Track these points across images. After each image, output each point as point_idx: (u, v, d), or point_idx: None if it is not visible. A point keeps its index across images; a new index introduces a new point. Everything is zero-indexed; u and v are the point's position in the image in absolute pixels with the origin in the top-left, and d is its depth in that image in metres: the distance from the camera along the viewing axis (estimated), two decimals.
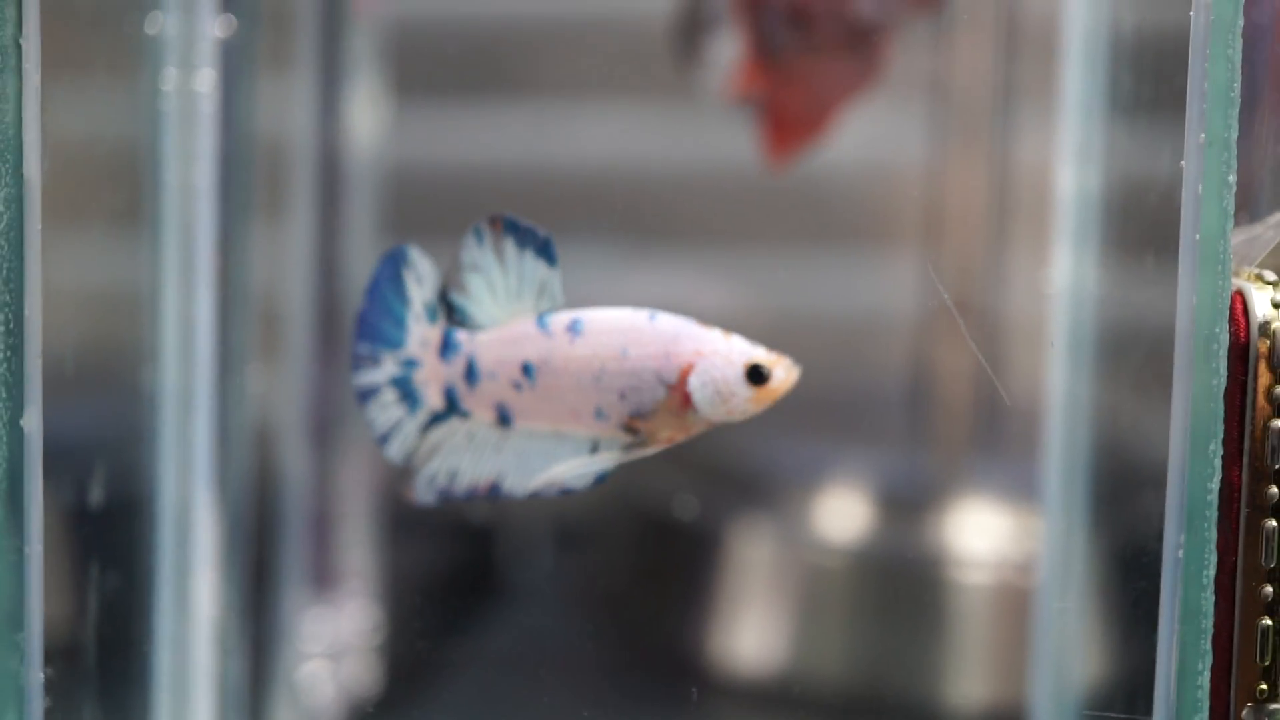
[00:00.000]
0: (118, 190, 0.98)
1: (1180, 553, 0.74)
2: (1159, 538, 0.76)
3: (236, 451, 1.06)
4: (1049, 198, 0.97)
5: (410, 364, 0.79)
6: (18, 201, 0.76)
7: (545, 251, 0.75)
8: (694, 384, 0.75)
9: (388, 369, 0.79)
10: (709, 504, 1.45)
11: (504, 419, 0.77)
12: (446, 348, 0.78)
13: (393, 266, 0.78)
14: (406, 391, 0.79)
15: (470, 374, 0.77)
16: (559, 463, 0.77)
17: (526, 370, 0.76)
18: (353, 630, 1.35)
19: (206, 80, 0.97)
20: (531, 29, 1.67)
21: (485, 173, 1.67)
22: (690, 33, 1.11)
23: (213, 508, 1.00)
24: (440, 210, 1.60)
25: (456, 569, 1.55)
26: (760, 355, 0.76)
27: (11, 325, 0.76)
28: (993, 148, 1.47)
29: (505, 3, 1.71)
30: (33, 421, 0.76)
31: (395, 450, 0.80)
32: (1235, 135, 0.74)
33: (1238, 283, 0.75)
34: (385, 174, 1.45)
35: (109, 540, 0.94)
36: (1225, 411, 0.73)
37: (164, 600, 0.97)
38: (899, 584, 1.40)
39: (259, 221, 1.10)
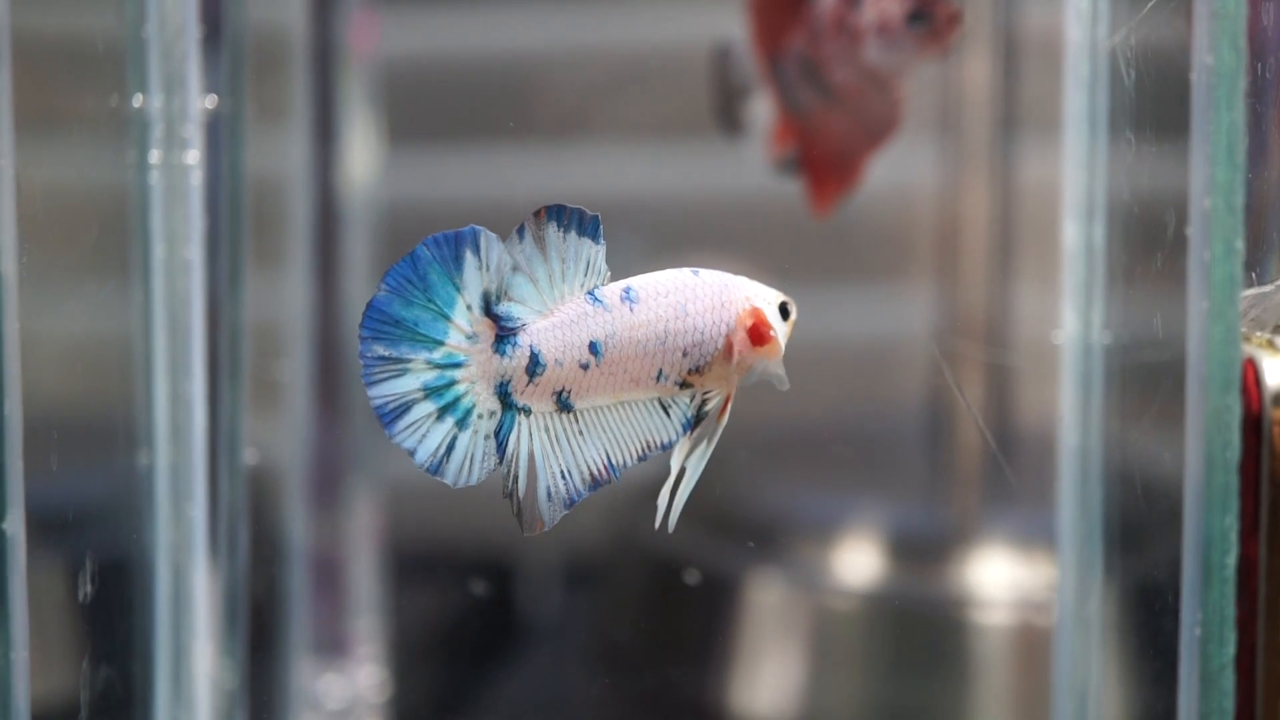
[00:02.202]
0: (104, 261, 0.96)
1: (1198, 630, 0.72)
2: (1175, 614, 0.74)
3: (234, 518, 1.04)
4: (1057, 240, 0.96)
5: (453, 364, 0.73)
6: None
7: (593, 230, 0.74)
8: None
9: (420, 374, 0.73)
10: (724, 552, 1.43)
11: (564, 405, 0.75)
12: (503, 341, 0.74)
13: (452, 248, 0.72)
14: (448, 399, 0.73)
15: (534, 365, 0.74)
16: (644, 425, 0.77)
17: (593, 348, 0.75)
18: (362, 695, 1.33)
19: (194, 153, 0.95)
20: (526, 68, 1.66)
21: (483, 214, 1.65)
22: (726, 105, 1.13)
23: (210, 579, 0.98)
24: None
25: (465, 626, 1.53)
26: (780, 294, 0.79)
27: None
28: (1001, 181, 1.45)
29: (499, 41, 1.69)
30: (14, 524, 0.74)
31: (458, 474, 0.74)
32: (1242, 200, 0.72)
33: (1248, 349, 0.73)
34: (382, 221, 1.44)
35: (101, 626, 0.92)
36: (1240, 484, 0.71)
37: (162, 683, 0.95)
38: (917, 631, 1.38)
39: (254, 276, 1.08)
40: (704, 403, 0.77)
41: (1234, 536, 0.71)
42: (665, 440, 0.77)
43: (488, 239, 0.73)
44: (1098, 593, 0.93)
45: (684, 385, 0.77)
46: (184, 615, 0.96)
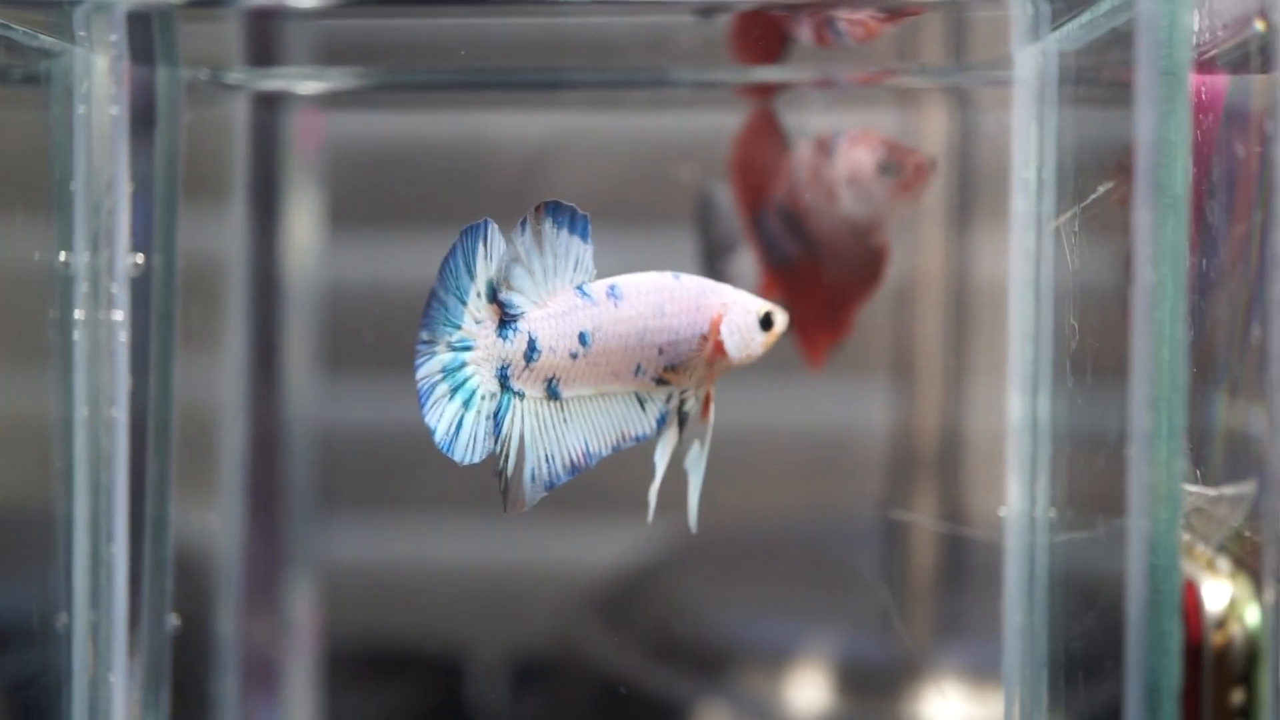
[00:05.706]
0: (24, 423, 0.94)
1: None
2: None
3: (157, 682, 1.01)
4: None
5: (465, 347, 0.78)
6: None
7: (583, 229, 0.79)
8: (724, 333, 0.81)
9: (442, 356, 0.78)
10: (671, 678, 1.40)
11: (553, 393, 0.80)
12: (505, 326, 0.79)
13: (473, 239, 0.78)
14: (459, 380, 0.78)
15: (531, 351, 0.79)
16: (621, 417, 0.81)
17: (582, 339, 0.79)
18: None
19: (120, 311, 0.93)
20: (471, 156, 1.64)
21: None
22: (714, 261, 1.12)
23: (130, 703, 0.95)
24: (382, 341, 1.57)
25: None
26: (766, 304, 0.83)
27: None
28: (955, 276, 1.45)
29: (443, 131, 1.67)
30: None
31: (464, 452, 0.78)
32: (1184, 422, 0.70)
33: (1189, 568, 0.71)
34: (323, 307, 1.41)
35: None
36: (1182, 714, 0.69)
37: None
38: None
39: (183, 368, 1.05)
40: (683, 402, 0.82)
41: None
42: (639, 433, 0.81)
43: (493, 230, 0.78)
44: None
45: (661, 382, 0.81)
46: None
